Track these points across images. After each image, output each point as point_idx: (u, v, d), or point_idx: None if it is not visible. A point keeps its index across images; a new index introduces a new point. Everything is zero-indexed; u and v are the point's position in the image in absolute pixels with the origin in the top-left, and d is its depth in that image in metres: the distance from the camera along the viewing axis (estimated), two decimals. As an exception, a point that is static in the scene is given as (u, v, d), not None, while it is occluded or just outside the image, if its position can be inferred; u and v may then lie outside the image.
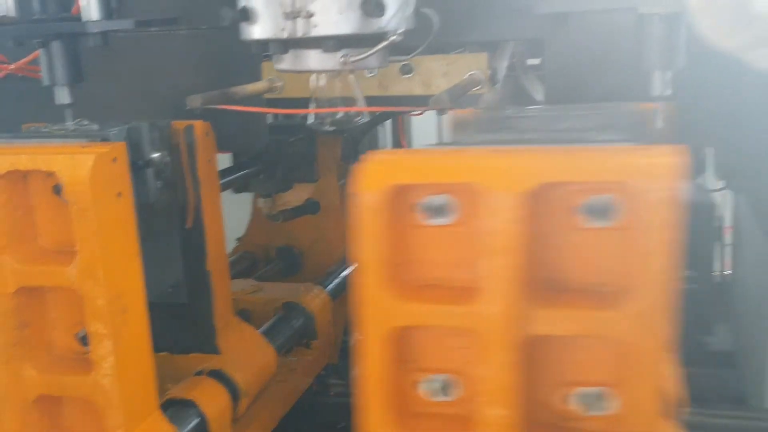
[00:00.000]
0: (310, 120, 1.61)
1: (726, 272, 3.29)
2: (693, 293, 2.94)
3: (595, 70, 1.47)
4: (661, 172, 1.00)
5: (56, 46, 1.53)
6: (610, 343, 1.06)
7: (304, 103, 1.57)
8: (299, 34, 1.29)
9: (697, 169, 3.07)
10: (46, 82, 1.56)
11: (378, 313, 1.09)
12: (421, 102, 1.50)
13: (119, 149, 1.39)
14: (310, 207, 2.62)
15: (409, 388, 1.15)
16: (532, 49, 2.02)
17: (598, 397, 1.09)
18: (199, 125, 1.61)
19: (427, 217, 1.09)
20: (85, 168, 1.31)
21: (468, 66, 1.70)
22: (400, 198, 1.09)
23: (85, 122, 1.56)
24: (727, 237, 3.26)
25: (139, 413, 1.43)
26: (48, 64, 1.54)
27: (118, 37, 1.61)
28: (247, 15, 1.34)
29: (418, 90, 1.64)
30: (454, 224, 1.09)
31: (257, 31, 1.34)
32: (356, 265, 1.07)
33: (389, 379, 1.13)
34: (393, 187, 1.06)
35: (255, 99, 1.68)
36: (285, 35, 1.31)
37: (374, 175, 1.06)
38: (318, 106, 1.51)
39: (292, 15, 1.29)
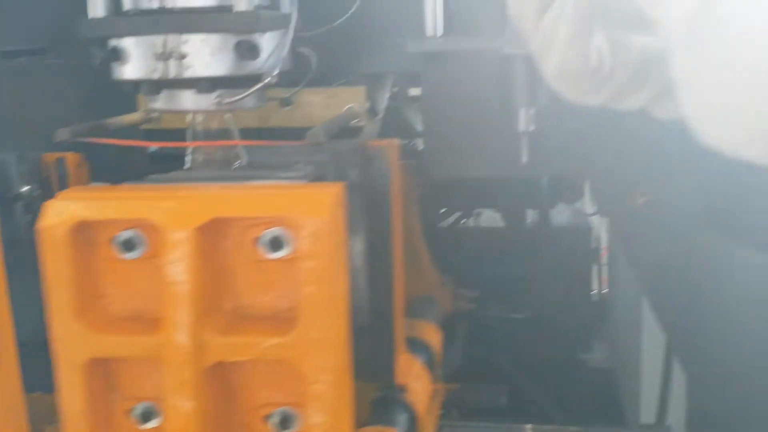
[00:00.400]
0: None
1: (603, 291, 3.35)
2: (573, 312, 3.04)
3: (467, 105, 1.54)
4: (318, 207, 1.08)
5: None
6: (288, 366, 1.12)
7: (181, 133, 1.50)
8: (172, 75, 1.26)
9: (576, 194, 3.17)
10: None
11: (71, 346, 1.13)
12: (302, 134, 1.44)
13: None
14: None
15: (120, 416, 1.20)
16: (413, 80, 2.11)
17: (289, 417, 1.15)
18: (70, 157, 1.56)
19: (119, 252, 1.13)
20: None
21: (347, 99, 1.69)
22: (89, 233, 1.14)
23: None
24: (604, 258, 3.33)
25: None
26: None
27: None
28: (117, 55, 1.30)
29: (298, 122, 1.60)
30: (143, 258, 1.13)
31: (128, 71, 1.30)
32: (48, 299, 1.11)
33: (94, 409, 1.17)
34: (77, 223, 1.11)
35: (131, 130, 1.63)
36: (157, 76, 1.27)
37: (58, 212, 1.11)
38: (194, 139, 1.45)
39: (164, 56, 1.26)
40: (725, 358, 1.45)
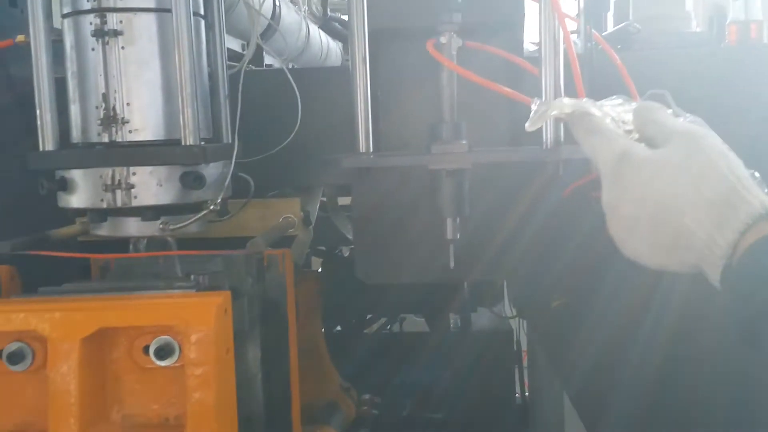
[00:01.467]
0: None
1: (526, 394, 3.44)
2: (496, 415, 3.10)
3: (395, 215, 1.60)
4: (203, 315, 1.12)
5: None
6: None
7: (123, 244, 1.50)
8: (119, 204, 1.29)
9: (496, 298, 3.31)
10: None
11: None
12: (239, 244, 1.49)
13: None
14: None
15: None
16: (342, 190, 2.19)
17: None
18: (3, 270, 1.50)
19: (8, 364, 1.14)
20: None
21: (282, 210, 1.74)
22: None
23: None
24: (525, 361, 3.44)
25: None
26: None
27: None
28: (65, 185, 1.33)
29: (236, 233, 1.62)
30: (30, 371, 1.15)
31: (75, 200, 1.33)
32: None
33: None
34: None
35: (71, 242, 1.59)
36: (104, 205, 1.30)
37: None
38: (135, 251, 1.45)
39: (112, 187, 1.29)
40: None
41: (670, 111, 0.99)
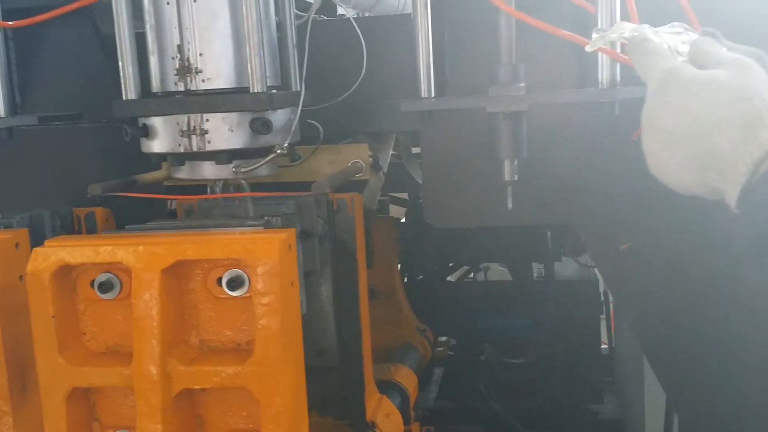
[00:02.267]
0: None
1: (613, 345, 3.43)
2: (583, 365, 3.13)
3: (459, 160, 1.66)
4: (268, 250, 1.21)
5: None
6: (245, 393, 1.24)
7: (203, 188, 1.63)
8: (194, 149, 1.41)
9: (580, 248, 3.29)
10: None
11: (54, 378, 1.27)
12: (311, 188, 1.57)
13: (21, 235, 1.49)
14: None
15: None
16: (416, 139, 2.26)
17: None
18: (99, 211, 1.73)
19: (97, 293, 1.28)
20: None
21: (351, 155, 1.82)
22: (71, 276, 1.28)
23: None
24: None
25: None
26: None
27: (23, 131, 1.77)
28: (146, 132, 1.45)
29: (307, 177, 1.72)
30: (118, 299, 1.28)
31: (156, 146, 1.45)
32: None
33: None
34: (60, 267, 1.25)
35: (156, 186, 1.75)
36: (181, 150, 1.42)
37: (44, 258, 1.26)
38: (212, 192, 1.58)
39: (188, 133, 1.40)
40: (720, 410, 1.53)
41: (723, 48, 1.01)
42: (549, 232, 3.09)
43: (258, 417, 1.25)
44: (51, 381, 1.28)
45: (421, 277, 3.24)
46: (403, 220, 3.11)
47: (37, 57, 1.87)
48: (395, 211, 2.91)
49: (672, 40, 1.04)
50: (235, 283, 1.25)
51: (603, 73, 1.32)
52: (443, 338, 2.60)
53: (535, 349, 3.07)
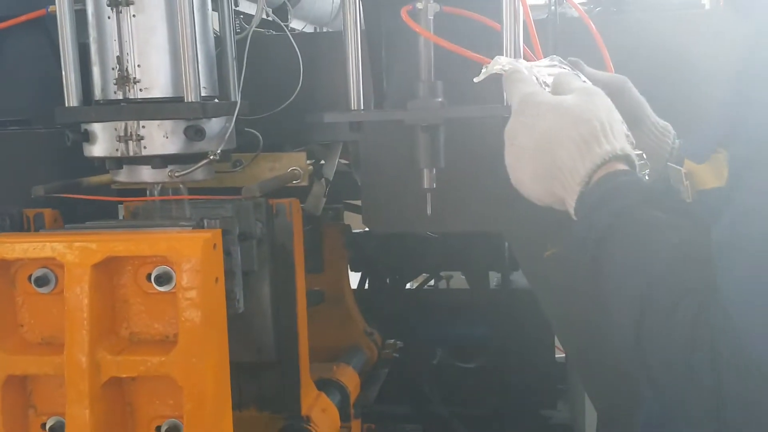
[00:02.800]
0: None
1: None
2: (537, 371, 3.23)
3: (383, 168, 1.80)
4: (193, 248, 1.32)
5: None
6: (170, 382, 1.33)
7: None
8: (131, 153, 1.51)
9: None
10: None
11: None
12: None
13: None
14: (313, 297, 2.46)
15: (36, 429, 1.43)
16: None
17: (177, 428, 1.37)
18: (48, 212, 1.78)
19: (35, 287, 1.38)
20: None
21: (290, 163, 1.91)
22: (10, 271, 1.39)
23: None
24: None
25: None
26: None
27: None
28: (87, 137, 1.56)
29: (248, 183, 1.75)
30: (54, 293, 1.38)
31: (96, 150, 1.55)
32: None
33: (12, 422, 1.39)
34: None
35: (105, 188, 1.81)
36: (119, 154, 1.52)
37: None
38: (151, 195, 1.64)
39: (125, 138, 1.50)
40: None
41: (583, 77, 1.16)
42: (507, 243, 3.19)
43: (183, 405, 1.34)
44: None
45: (381, 284, 3.35)
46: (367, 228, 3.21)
47: (-6, 64, 1.97)
48: (351, 218, 3.01)
49: (541, 72, 1.21)
50: (162, 279, 1.35)
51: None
52: (391, 341, 2.70)
53: (487, 355, 3.17)
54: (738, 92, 0.96)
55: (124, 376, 1.35)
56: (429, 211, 1.59)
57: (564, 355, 3.58)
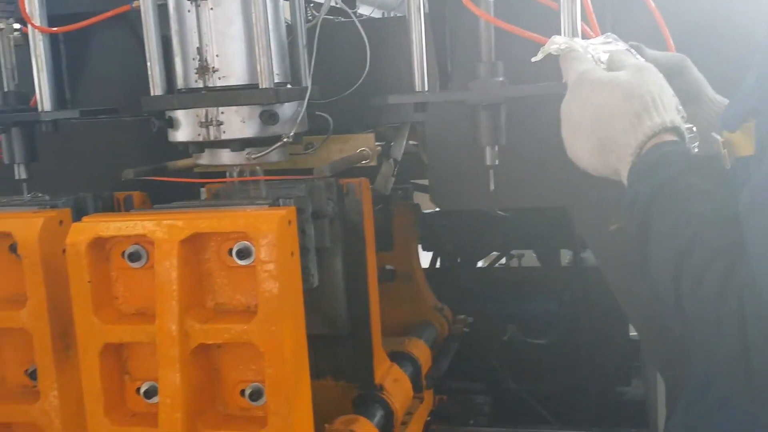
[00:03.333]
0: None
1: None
2: (610, 348, 3.25)
3: (450, 148, 1.88)
4: (270, 224, 1.42)
5: (15, 132, 1.95)
6: (253, 348, 1.44)
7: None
8: (211, 138, 1.63)
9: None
10: (6, 160, 1.97)
11: (90, 335, 1.50)
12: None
13: (65, 214, 1.70)
14: (384, 275, 2.57)
15: (131, 394, 1.56)
16: None
17: (259, 391, 1.48)
18: (136, 195, 1.98)
19: (129, 262, 1.51)
20: (35, 229, 1.62)
21: (359, 144, 2.02)
22: (104, 248, 1.51)
23: (39, 194, 1.92)
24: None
25: None
26: (8, 146, 1.96)
27: (69, 123, 2.01)
28: (171, 123, 1.68)
29: (318, 164, 1.88)
30: (145, 267, 1.51)
31: (179, 135, 1.68)
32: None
33: (109, 387, 1.52)
34: (93, 239, 1.48)
35: (186, 172, 1.98)
36: (200, 139, 1.64)
37: (81, 231, 1.49)
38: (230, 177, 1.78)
39: (206, 124, 1.63)
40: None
41: (640, 57, 1.22)
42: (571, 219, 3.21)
43: (263, 369, 1.46)
44: (87, 338, 1.51)
45: (453, 263, 3.42)
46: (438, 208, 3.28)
47: (85, 57, 2.12)
48: (421, 198, 3.09)
49: (596, 50, 1.27)
50: (243, 253, 1.47)
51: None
52: (461, 316, 2.78)
53: (558, 332, 3.21)
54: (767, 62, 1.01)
55: (211, 342, 1.47)
56: (491, 188, 1.66)
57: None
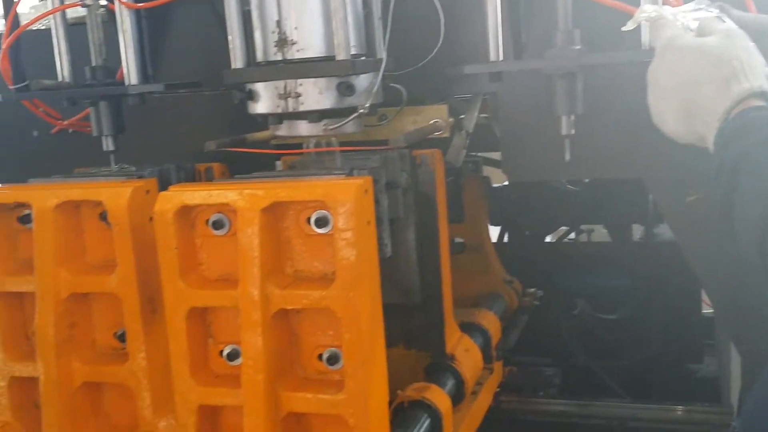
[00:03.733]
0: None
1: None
2: (683, 325, 3.21)
3: (530, 116, 1.88)
4: (347, 193, 1.46)
5: (103, 105, 2.04)
6: (330, 314, 1.49)
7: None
8: (290, 109, 1.68)
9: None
10: (95, 133, 2.07)
11: (177, 300, 1.57)
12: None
13: (151, 184, 1.77)
14: (454, 247, 2.61)
15: (214, 356, 1.63)
16: None
17: (336, 356, 1.53)
18: (216, 166, 2.06)
19: (213, 230, 1.57)
20: (124, 198, 1.69)
21: (432, 115, 2.04)
22: (189, 216, 1.57)
23: (126, 165, 2.02)
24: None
25: (166, 396, 1.73)
26: (96, 119, 2.05)
27: (153, 97, 2.08)
28: (251, 96, 1.74)
29: (392, 135, 1.88)
30: (228, 235, 1.56)
31: (259, 107, 1.74)
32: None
33: (194, 348, 1.58)
34: (180, 208, 1.54)
35: (264, 144, 2.03)
36: (279, 110, 1.70)
37: (168, 200, 1.55)
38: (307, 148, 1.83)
39: (285, 96, 1.68)
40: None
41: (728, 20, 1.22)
42: (650, 192, 3.16)
43: (341, 335, 1.51)
44: (174, 302, 1.59)
45: (521, 237, 3.40)
46: (507, 182, 3.27)
47: (165, 33, 2.19)
48: (489, 172, 3.09)
49: (686, 17, 1.29)
50: (321, 222, 1.51)
51: (645, 36, 1.46)
52: (531, 290, 2.79)
53: (629, 307, 3.18)
54: None
55: (290, 308, 1.53)
56: (567, 158, 1.66)
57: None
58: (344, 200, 1.46)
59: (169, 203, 1.56)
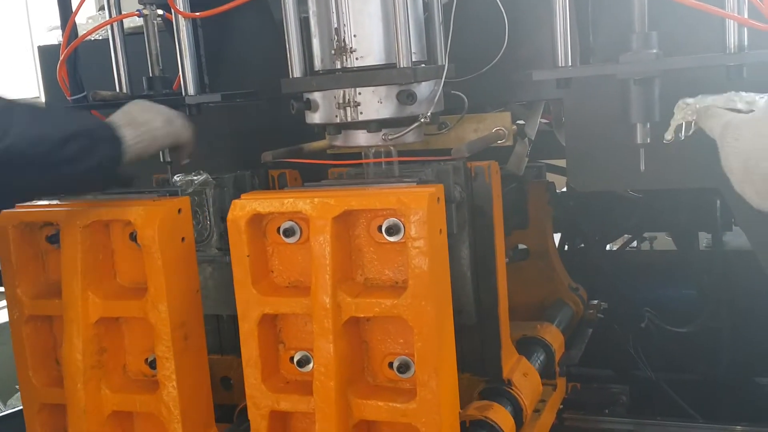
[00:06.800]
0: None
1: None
2: (754, 337, 3.05)
3: (600, 124, 1.82)
4: (420, 201, 1.46)
5: None
6: (401, 322, 1.50)
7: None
8: (348, 119, 1.67)
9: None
10: None
11: (249, 306, 1.59)
12: None
13: (184, 202, 1.75)
14: (519, 254, 2.61)
15: (285, 362, 1.65)
16: None
17: (407, 364, 1.54)
18: (289, 173, 2.11)
19: (284, 238, 1.59)
20: (155, 218, 1.65)
21: (494, 123, 2.00)
22: (261, 224, 1.59)
23: (201, 172, 1.98)
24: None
25: (197, 426, 1.75)
26: None
27: (210, 107, 2.08)
28: (309, 105, 1.74)
29: (453, 144, 1.87)
30: (299, 243, 1.60)
31: (317, 117, 1.74)
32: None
33: (265, 354, 1.60)
34: (253, 215, 1.56)
35: (320, 153, 2.07)
36: (338, 120, 1.70)
37: (241, 208, 1.58)
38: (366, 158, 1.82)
39: (343, 105, 1.67)
40: None
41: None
42: (718, 201, 3.03)
43: (412, 343, 1.53)
44: (246, 308, 1.61)
45: (582, 245, 3.30)
46: (564, 189, 3.17)
47: (222, 42, 2.17)
48: (550, 178, 2.99)
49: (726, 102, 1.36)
50: (392, 230, 1.53)
51: (731, 39, 1.37)
52: (595, 301, 2.68)
53: (700, 319, 3.04)
54: None
55: (361, 316, 1.55)
56: (642, 167, 1.57)
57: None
58: (417, 208, 1.48)
59: (241, 211, 1.60)
